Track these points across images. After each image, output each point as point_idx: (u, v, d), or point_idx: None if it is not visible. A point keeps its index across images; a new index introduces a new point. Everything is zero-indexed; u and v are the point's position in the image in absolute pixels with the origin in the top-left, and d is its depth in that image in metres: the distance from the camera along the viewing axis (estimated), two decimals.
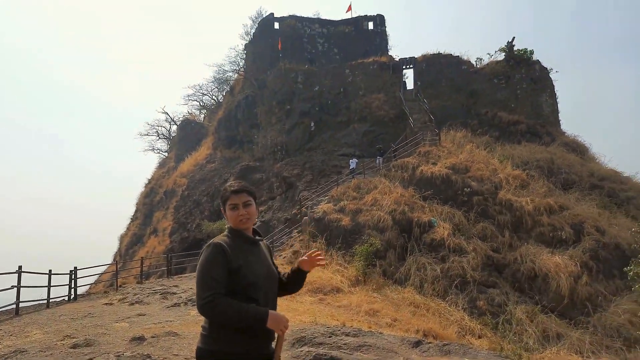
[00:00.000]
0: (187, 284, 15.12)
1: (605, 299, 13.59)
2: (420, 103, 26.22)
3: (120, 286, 16.84)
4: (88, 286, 22.16)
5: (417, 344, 5.81)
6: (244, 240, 2.23)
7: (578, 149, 23.72)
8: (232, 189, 2.27)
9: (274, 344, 2.15)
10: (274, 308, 2.20)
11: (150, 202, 42.16)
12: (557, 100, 27.21)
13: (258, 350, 2.10)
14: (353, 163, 22.57)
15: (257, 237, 2.33)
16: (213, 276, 2.03)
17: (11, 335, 7.24)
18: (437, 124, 23.83)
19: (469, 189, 17.73)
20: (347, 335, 5.73)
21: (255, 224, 2.43)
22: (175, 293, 12.46)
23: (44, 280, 12.62)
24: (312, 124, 28.69)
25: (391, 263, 15.35)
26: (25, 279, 11.25)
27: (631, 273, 11.95)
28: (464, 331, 12.01)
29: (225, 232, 2.27)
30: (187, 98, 53.22)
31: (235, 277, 2.08)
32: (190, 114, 52.89)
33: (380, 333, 6.42)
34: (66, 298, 13.97)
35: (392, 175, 19.49)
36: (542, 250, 15.30)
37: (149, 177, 49.55)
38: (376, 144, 25.18)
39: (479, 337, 11.85)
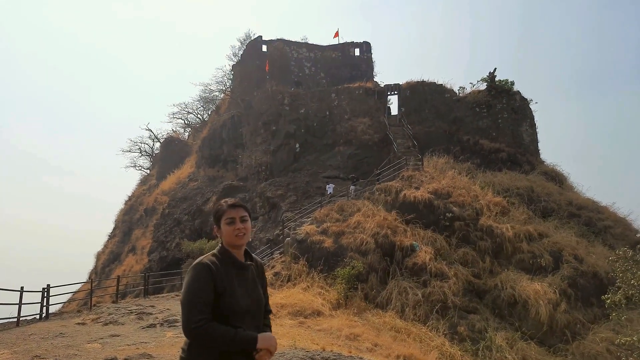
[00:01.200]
0: (164, 304, 14.75)
1: (583, 327, 13.72)
2: (404, 128, 26.66)
3: (94, 305, 16.34)
4: (61, 304, 21.42)
5: None
6: (232, 263, 2.18)
7: (557, 177, 24.30)
8: (229, 203, 2.26)
9: None
10: (255, 331, 2.15)
11: (130, 219, 41.43)
12: (537, 130, 28.00)
13: None
14: (330, 188, 22.54)
15: (248, 262, 2.28)
16: (202, 299, 2.00)
17: None
18: (420, 150, 24.21)
19: (450, 214, 17.90)
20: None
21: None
22: (151, 313, 12.14)
23: (14, 298, 12.16)
24: (297, 146, 28.83)
25: (373, 286, 15.27)
26: None
27: (609, 301, 12.12)
28: (444, 357, 11.94)
29: (214, 251, 2.22)
30: (171, 116, 53.18)
31: (218, 302, 2.05)
32: (175, 132, 52.72)
33: (361, 358, 6.32)
34: (37, 316, 13.45)
35: (376, 198, 19.58)
36: (522, 276, 15.45)
37: (129, 194, 48.84)
38: (361, 167, 25.37)
39: None
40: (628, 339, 11.03)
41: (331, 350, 6.81)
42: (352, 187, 22.11)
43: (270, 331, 2.26)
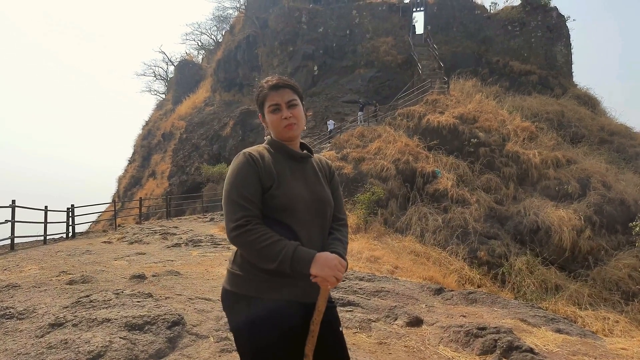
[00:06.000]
0: (187, 226, 15.00)
1: (606, 254, 13.52)
2: (429, 49, 25.11)
3: (119, 226, 16.74)
4: (87, 224, 22.15)
5: (439, 291, 5.54)
6: (284, 153, 1.67)
7: (589, 102, 23.04)
8: (271, 83, 1.69)
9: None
10: (319, 244, 1.60)
11: (148, 144, 41.63)
12: (572, 50, 26.14)
13: (299, 298, 1.57)
14: (331, 124, 21.43)
15: (306, 153, 1.76)
16: (244, 194, 1.51)
17: (5, 269, 7.02)
18: (446, 72, 22.93)
19: (475, 140, 17.26)
20: (361, 279, 5.49)
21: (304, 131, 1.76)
22: (175, 234, 12.30)
23: (39, 217, 12.39)
24: (316, 68, 27.65)
25: (392, 212, 15.17)
26: (20, 215, 10.99)
27: (637, 229, 11.81)
28: (463, 280, 12.01)
29: (263, 143, 1.74)
30: (184, 37, 51.42)
31: (264, 197, 1.55)
32: (188, 54, 51.15)
33: (396, 279, 6.21)
34: (64, 235, 13.83)
35: (397, 124, 18.93)
36: (547, 203, 15.09)
37: (147, 119, 48.73)
38: (382, 90, 24.35)
39: (478, 286, 11.86)
40: None
41: (358, 270, 6.74)
42: (360, 114, 21.21)
43: (343, 246, 1.65)
